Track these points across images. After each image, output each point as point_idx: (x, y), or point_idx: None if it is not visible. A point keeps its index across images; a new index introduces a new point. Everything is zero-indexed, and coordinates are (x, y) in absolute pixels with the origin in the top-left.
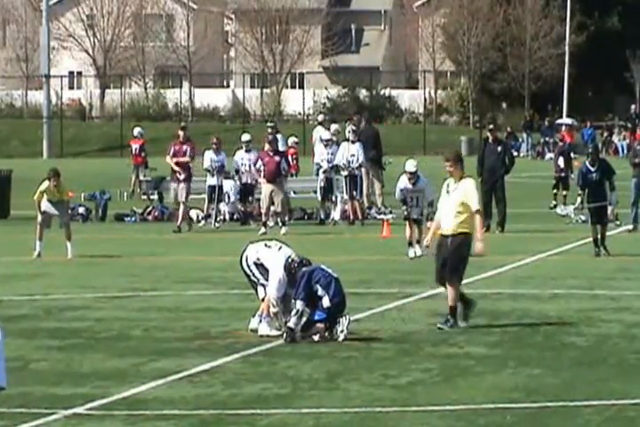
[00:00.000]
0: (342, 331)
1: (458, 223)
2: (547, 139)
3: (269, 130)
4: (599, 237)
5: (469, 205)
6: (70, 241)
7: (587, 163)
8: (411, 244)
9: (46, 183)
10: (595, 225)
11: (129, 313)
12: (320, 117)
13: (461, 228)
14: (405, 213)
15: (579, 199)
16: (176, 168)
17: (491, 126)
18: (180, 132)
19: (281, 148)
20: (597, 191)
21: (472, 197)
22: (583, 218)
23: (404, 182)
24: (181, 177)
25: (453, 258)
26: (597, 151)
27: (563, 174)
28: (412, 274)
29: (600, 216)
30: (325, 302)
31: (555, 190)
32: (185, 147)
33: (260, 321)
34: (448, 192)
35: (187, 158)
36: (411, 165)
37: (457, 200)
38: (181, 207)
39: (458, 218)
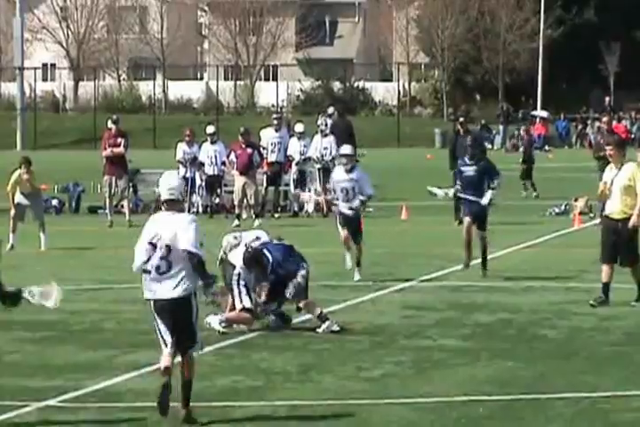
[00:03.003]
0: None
1: (626, 206)
2: (521, 131)
3: (275, 122)
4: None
5: (634, 189)
6: (44, 233)
7: (465, 157)
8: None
9: (18, 172)
10: (464, 223)
11: (102, 305)
12: (330, 110)
13: (630, 210)
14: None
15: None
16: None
17: (461, 119)
18: (112, 126)
19: (287, 141)
20: (476, 192)
21: (638, 180)
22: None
23: (337, 172)
24: (118, 170)
25: (629, 242)
26: (476, 144)
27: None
28: (386, 267)
29: (479, 218)
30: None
31: (523, 181)
32: (119, 139)
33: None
34: (611, 179)
35: (121, 149)
36: (347, 148)
37: (622, 185)
38: (126, 202)
39: (625, 202)
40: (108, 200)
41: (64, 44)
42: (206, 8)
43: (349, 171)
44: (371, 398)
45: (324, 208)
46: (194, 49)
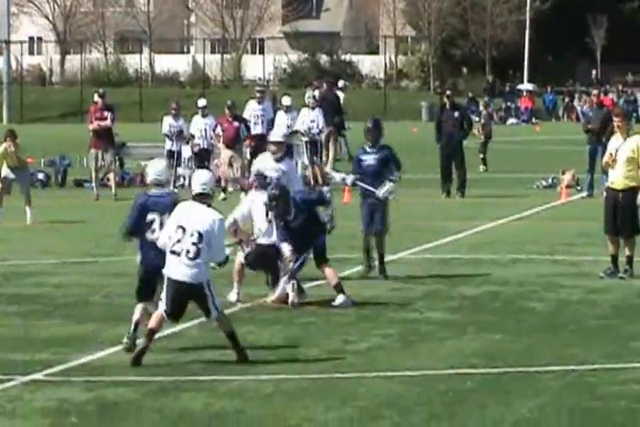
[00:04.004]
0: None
1: (627, 178)
2: (508, 104)
3: (258, 94)
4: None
5: (637, 161)
6: (30, 207)
7: (365, 145)
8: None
9: (3, 146)
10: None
11: (88, 279)
12: (340, 83)
13: (631, 182)
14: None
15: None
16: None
17: (448, 92)
18: (99, 99)
19: (270, 114)
20: (375, 183)
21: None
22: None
23: (263, 159)
24: (105, 144)
25: (628, 213)
26: (377, 129)
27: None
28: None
29: (373, 217)
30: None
31: (482, 155)
32: (105, 113)
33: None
34: (616, 149)
35: (108, 122)
36: (277, 134)
37: (625, 156)
38: (112, 176)
39: (627, 173)
40: (94, 174)
41: (50, 18)
42: None
43: (278, 160)
44: (357, 372)
45: (320, 181)
46: (180, 22)
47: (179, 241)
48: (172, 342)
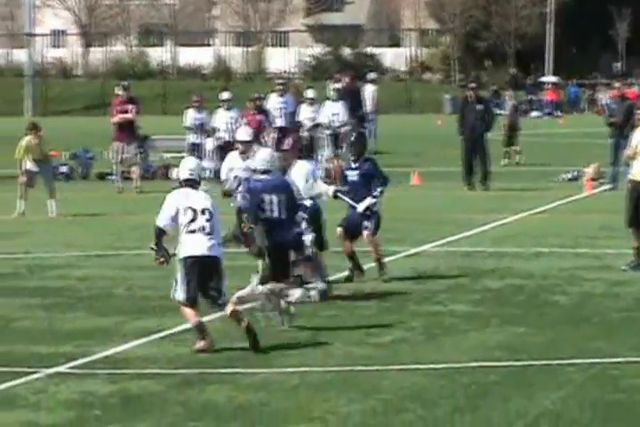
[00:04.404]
0: None
1: None
2: (532, 97)
3: (279, 87)
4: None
5: None
6: (53, 200)
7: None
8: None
9: (27, 138)
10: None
11: (112, 272)
12: (371, 75)
13: None
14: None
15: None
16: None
17: (472, 84)
18: (121, 92)
19: (292, 107)
20: (357, 197)
21: None
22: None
23: (233, 158)
24: (128, 136)
25: None
26: (359, 143)
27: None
28: (396, 232)
29: (352, 226)
30: None
31: (505, 148)
32: (129, 106)
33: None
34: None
35: (131, 115)
36: (243, 133)
37: None
38: (135, 169)
39: None
40: (117, 166)
41: (74, 11)
42: None
43: (246, 159)
44: (380, 365)
45: (334, 174)
46: (204, 15)
47: (193, 221)
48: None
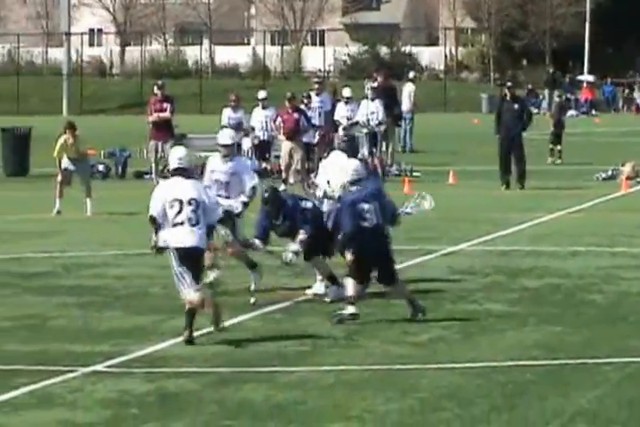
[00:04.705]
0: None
1: None
2: (568, 95)
3: (315, 86)
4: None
5: None
6: (90, 198)
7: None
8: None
9: (63, 137)
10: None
11: (148, 270)
12: (410, 74)
13: None
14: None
15: None
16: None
17: (509, 83)
18: (158, 91)
19: (328, 106)
20: None
21: None
22: None
23: (213, 162)
24: (164, 135)
25: None
26: (350, 144)
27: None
28: (433, 231)
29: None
30: None
31: (551, 146)
32: (165, 104)
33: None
34: None
35: (167, 114)
36: (224, 137)
37: None
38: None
39: None
40: (153, 165)
41: (111, 9)
42: None
43: (228, 161)
44: (417, 363)
45: (380, 172)
46: (241, 14)
47: (179, 212)
48: (232, 333)
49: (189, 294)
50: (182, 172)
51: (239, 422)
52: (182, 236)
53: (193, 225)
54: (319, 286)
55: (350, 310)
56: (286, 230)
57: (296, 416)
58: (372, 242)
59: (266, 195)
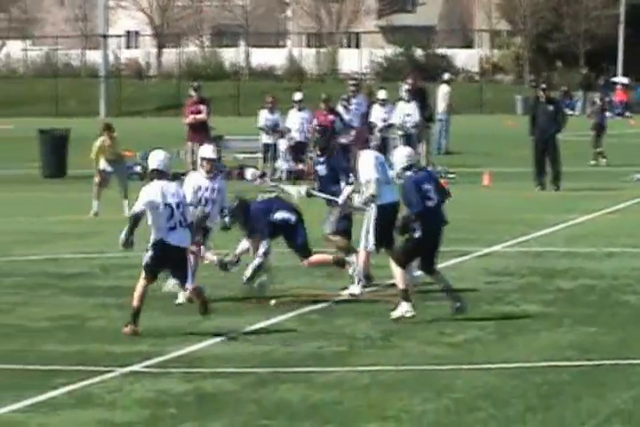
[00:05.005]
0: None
1: None
2: (603, 97)
3: (351, 88)
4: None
5: None
6: (127, 199)
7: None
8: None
9: (101, 139)
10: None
11: None
12: (446, 76)
13: None
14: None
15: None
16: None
17: (543, 85)
18: (194, 93)
19: (364, 107)
20: (327, 191)
21: None
22: None
23: (195, 179)
24: (201, 137)
25: None
26: (323, 138)
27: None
28: (468, 233)
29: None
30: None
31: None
32: (201, 106)
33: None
34: None
35: (203, 115)
36: (209, 151)
37: None
38: None
39: None
40: (191, 166)
41: (148, 12)
42: None
43: (211, 179)
44: (453, 364)
45: None
46: (277, 16)
47: (171, 216)
48: (269, 334)
49: (170, 283)
50: (160, 174)
51: (277, 422)
52: (178, 236)
53: (184, 227)
54: (355, 287)
55: (405, 306)
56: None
57: (333, 416)
58: (436, 221)
59: (233, 205)
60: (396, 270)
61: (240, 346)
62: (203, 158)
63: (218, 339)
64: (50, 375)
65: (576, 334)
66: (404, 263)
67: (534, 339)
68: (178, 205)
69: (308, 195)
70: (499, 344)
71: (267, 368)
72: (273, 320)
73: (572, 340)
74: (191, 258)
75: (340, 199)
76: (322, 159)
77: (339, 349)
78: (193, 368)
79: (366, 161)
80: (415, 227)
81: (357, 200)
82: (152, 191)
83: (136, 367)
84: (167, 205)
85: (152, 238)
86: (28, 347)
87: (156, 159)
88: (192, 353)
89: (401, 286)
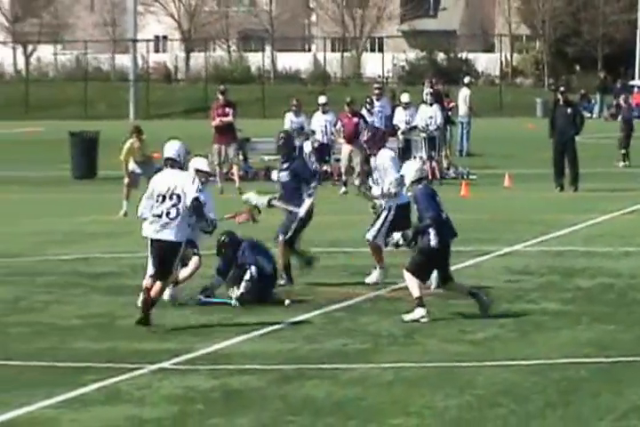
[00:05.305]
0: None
1: None
2: (620, 100)
3: (376, 91)
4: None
5: None
6: None
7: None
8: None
9: (130, 141)
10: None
11: (213, 270)
12: (466, 79)
13: None
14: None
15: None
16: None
17: (562, 89)
18: (220, 96)
19: (388, 110)
20: (292, 200)
21: None
22: None
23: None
24: (227, 139)
25: None
26: (286, 144)
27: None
28: (489, 233)
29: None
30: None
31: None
32: (227, 109)
33: None
34: None
35: (230, 118)
36: (203, 163)
37: None
38: (235, 170)
39: None
40: (217, 168)
41: (176, 17)
42: None
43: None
44: (474, 361)
45: (438, 175)
46: (302, 21)
47: (160, 204)
48: (295, 331)
49: (144, 280)
50: (173, 162)
51: (302, 417)
52: (154, 227)
53: (171, 219)
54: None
55: (421, 312)
56: (234, 278)
57: (357, 412)
58: (449, 232)
59: (222, 239)
60: (409, 279)
61: (266, 343)
62: (197, 170)
63: (244, 336)
64: (80, 372)
65: (594, 332)
66: (420, 276)
67: (553, 336)
68: (171, 197)
69: (269, 205)
70: (519, 342)
71: (292, 365)
72: (299, 318)
73: (591, 337)
74: (194, 260)
75: (301, 211)
76: (285, 166)
77: (363, 346)
78: (220, 365)
79: (389, 160)
80: (429, 237)
81: (376, 192)
82: (151, 184)
83: (164, 364)
84: (159, 195)
85: None
86: (60, 344)
87: (172, 148)
88: (219, 350)
89: (416, 293)
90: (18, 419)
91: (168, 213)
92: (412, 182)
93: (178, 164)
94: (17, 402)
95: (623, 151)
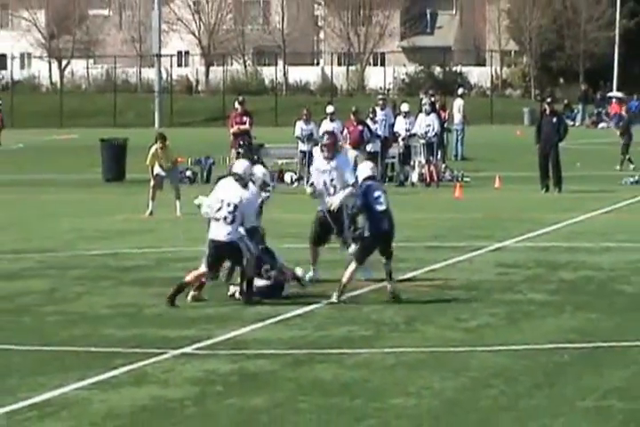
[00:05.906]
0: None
1: None
2: (600, 110)
3: (380, 102)
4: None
5: None
6: (179, 200)
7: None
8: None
9: (155, 147)
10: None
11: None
12: (460, 90)
13: None
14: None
15: None
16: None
17: (548, 99)
18: (239, 106)
19: (391, 119)
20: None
21: None
22: None
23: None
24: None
25: None
26: (247, 154)
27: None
28: (482, 230)
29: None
30: None
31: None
32: (245, 118)
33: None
34: None
35: (247, 126)
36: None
37: None
38: None
39: None
40: None
41: (196, 34)
42: (322, 1)
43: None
44: (468, 346)
45: (435, 178)
46: (311, 38)
47: (219, 210)
48: (305, 319)
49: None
50: (239, 178)
51: (312, 397)
52: (215, 230)
53: (228, 224)
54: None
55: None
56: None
57: (362, 392)
58: (384, 222)
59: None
60: (351, 266)
61: (279, 330)
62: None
63: (260, 324)
64: (110, 357)
65: (577, 320)
66: (361, 260)
67: (540, 324)
68: (228, 204)
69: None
70: (508, 329)
71: (303, 350)
72: (308, 308)
73: (574, 325)
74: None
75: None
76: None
77: (367, 333)
78: (237, 350)
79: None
80: (362, 227)
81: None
82: (217, 187)
83: (187, 350)
84: (221, 200)
85: None
86: (91, 331)
87: (241, 166)
88: (237, 337)
89: (345, 279)
90: (53, 399)
91: (225, 219)
92: (364, 179)
93: (242, 180)
94: (52, 384)
95: (625, 156)
